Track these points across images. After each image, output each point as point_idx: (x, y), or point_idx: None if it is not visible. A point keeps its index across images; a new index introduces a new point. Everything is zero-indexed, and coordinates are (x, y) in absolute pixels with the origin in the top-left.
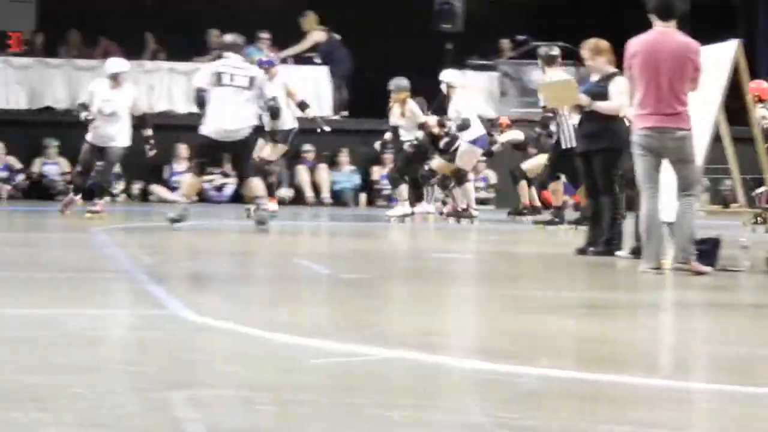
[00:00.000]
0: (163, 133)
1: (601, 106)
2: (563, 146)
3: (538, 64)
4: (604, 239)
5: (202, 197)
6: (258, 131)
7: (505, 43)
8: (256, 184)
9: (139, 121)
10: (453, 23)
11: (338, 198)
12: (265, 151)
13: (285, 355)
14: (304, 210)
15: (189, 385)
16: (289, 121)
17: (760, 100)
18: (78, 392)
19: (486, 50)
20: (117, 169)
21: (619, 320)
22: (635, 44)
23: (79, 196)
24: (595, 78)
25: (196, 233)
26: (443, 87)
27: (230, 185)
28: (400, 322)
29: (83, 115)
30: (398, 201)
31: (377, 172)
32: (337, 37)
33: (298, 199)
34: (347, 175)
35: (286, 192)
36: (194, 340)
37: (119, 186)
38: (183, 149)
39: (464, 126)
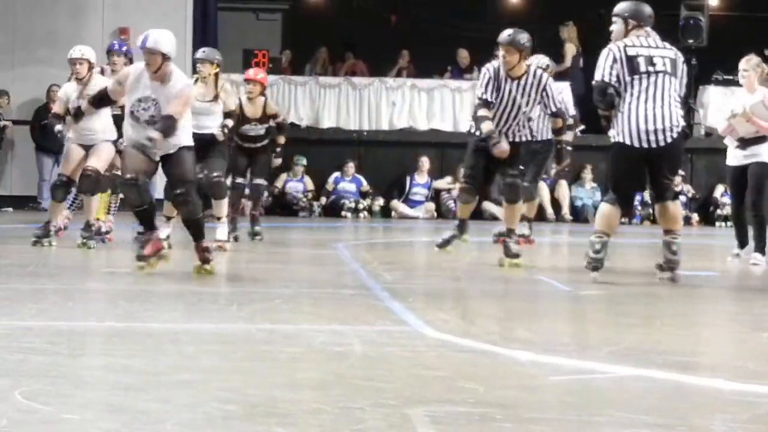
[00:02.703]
0: (405, 149)
1: None
2: None
3: None
4: None
5: (440, 213)
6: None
7: None
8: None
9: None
10: (698, 38)
11: (579, 214)
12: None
13: (523, 372)
14: (545, 226)
15: (428, 401)
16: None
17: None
18: (319, 407)
19: (730, 65)
20: (365, 186)
21: None
22: None
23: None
24: None
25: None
26: None
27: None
28: (641, 340)
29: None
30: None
31: None
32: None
33: (540, 215)
34: (589, 192)
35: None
36: (433, 356)
37: (363, 202)
38: (425, 162)
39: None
